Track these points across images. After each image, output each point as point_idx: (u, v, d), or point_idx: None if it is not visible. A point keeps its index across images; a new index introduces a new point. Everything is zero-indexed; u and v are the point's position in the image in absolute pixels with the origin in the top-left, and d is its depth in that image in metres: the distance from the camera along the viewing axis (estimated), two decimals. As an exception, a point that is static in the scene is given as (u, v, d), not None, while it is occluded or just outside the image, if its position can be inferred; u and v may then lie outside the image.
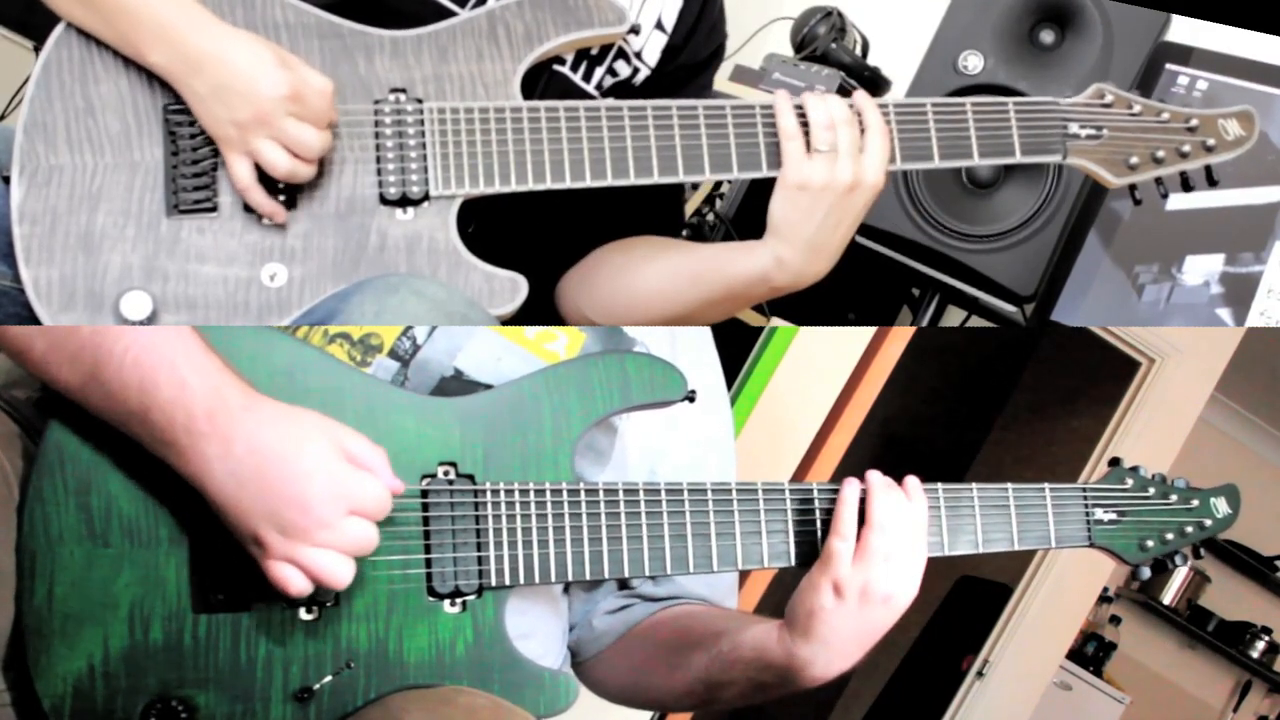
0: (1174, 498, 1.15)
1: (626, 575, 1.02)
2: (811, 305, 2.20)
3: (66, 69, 1.10)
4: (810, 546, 1.05)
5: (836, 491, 1.05)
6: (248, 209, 1.11)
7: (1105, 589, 4.25)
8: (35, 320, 1.07)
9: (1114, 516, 1.13)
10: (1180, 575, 4.48)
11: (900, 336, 2.52)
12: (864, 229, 1.95)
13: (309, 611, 0.96)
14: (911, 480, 1.05)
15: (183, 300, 1.09)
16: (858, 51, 2.25)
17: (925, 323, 2.17)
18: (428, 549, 0.98)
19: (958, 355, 4.45)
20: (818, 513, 1.05)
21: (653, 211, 1.35)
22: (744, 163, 1.18)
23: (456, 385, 1.07)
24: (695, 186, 2.17)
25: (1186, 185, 1.24)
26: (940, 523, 1.08)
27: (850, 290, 2.33)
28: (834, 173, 1.14)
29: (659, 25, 1.32)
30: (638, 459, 1.15)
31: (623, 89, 1.30)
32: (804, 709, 3.88)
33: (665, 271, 1.25)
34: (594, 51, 1.27)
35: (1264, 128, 1.25)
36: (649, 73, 1.32)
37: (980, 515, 1.09)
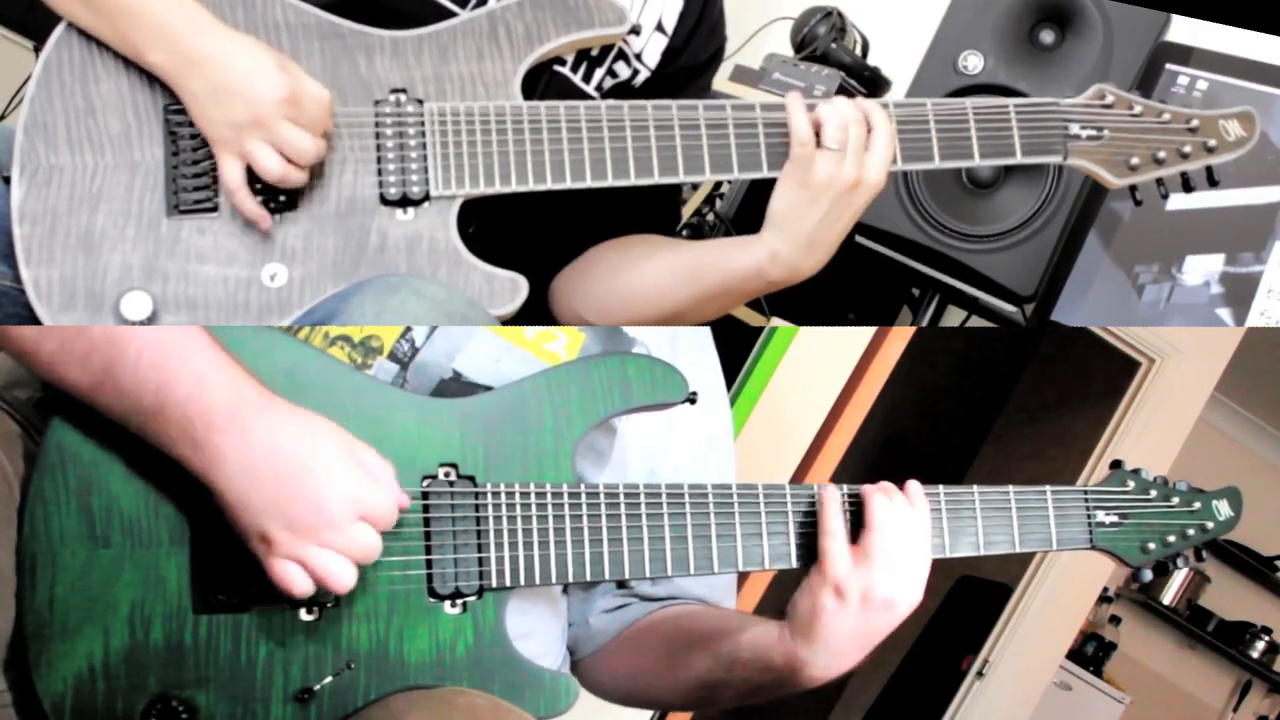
0: (1176, 500, 1.15)
1: (627, 577, 1.02)
2: (811, 305, 2.20)
3: (67, 69, 1.10)
4: (812, 548, 1.05)
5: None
6: (248, 209, 1.11)
7: (1105, 589, 4.25)
8: (35, 320, 1.07)
9: (1115, 519, 1.13)
10: (1180, 575, 4.49)
11: (900, 336, 2.52)
12: (864, 229, 1.96)
13: (309, 612, 0.96)
14: (913, 485, 1.05)
15: (183, 300, 1.09)
16: (858, 51, 2.25)
17: (925, 323, 2.17)
18: (428, 550, 0.98)
19: (958, 355, 4.46)
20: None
21: (650, 211, 1.35)
22: (744, 163, 1.18)
23: (455, 387, 1.07)
24: (695, 186, 2.17)
25: (1187, 186, 1.24)
26: (941, 524, 1.08)
27: (850, 290, 2.33)
28: (839, 170, 1.15)
29: (659, 27, 1.32)
30: (637, 460, 1.15)
31: (622, 90, 1.30)
32: (804, 709, 3.88)
33: (661, 269, 1.25)
34: (594, 52, 1.27)
35: (1264, 128, 1.25)
36: (649, 74, 1.32)
37: (981, 517, 1.09)
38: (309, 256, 1.11)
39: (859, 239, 1.99)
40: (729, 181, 2.16)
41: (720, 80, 2.11)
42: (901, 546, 1.01)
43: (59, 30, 1.10)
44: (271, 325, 1.09)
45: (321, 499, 0.88)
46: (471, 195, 1.14)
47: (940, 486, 1.08)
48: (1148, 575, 1.15)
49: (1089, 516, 1.13)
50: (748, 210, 2.13)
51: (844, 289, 2.32)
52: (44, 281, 1.08)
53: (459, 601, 0.98)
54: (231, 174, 1.08)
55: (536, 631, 1.10)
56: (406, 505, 0.94)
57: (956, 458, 4.35)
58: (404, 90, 1.15)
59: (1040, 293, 1.93)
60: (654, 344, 1.18)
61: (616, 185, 1.16)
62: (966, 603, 3.57)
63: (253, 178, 1.09)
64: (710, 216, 2.16)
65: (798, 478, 2.44)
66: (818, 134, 1.16)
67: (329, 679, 0.95)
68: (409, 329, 1.08)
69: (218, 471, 0.88)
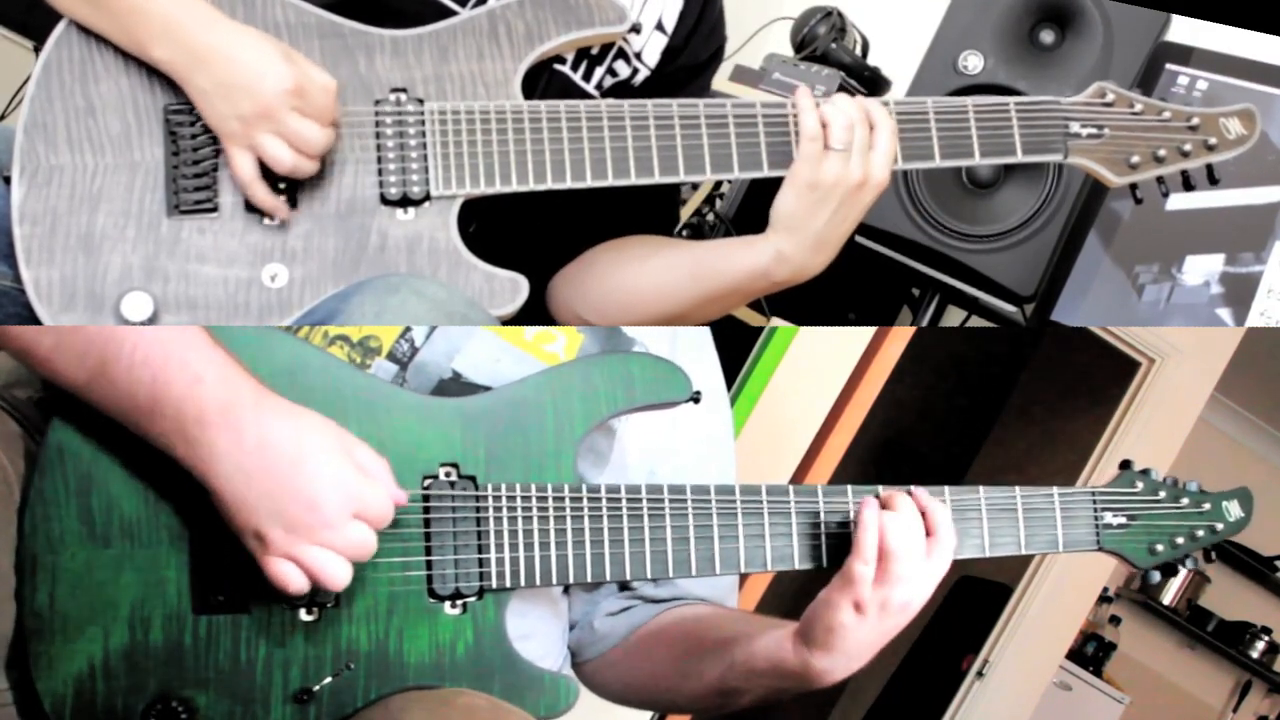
0: (1185, 501, 1.14)
1: (628, 578, 1.02)
2: (811, 305, 2.20)
3: (67, 69, 1.10)
4: (814, 549, 1.05)
5: (841, 494, 1.05)
6: (249, 209, 1.11)
7: (1105, 589, 4.25)
8: (35, 320, 1.07)
9: (1123, 520, 1.12)
10: (1180, 575, 4.48)
11: (900, 336, 2.51)
12: (864, 229, 1.96)
13: (309, 613, 0.95)
14: (922, 495, 1.05)
15: (183, 301, 1.09)
16: (858, 51, 2.25)
17: (925, 323, 2.17)
18: (429, 550, 0.98)
19: (957, 355, 4.45)
20: (822, 515, 1.05)
21: (649, 211, 1.35)
22: (745, 162, 1.17)
23: (455, 387, 1.06)
24: (695, 186, 2.17)
25: (1188, 184, 1.24)
26: None
27: (850, 290, 2.33)
28: (846, 170, 1.15)
29: (659, 26, 1.31)
30: (637, 460, 1.15)
31: (622, 89, 1.30)
32: (804, 708, 3.88)
33: (662, 269, 1.25)
34: (594, 51, 1.27)
35: (1264, 128, 1.25)
36: (648, 73, 1.31)
37: (987, 519, 1.08)
38: (309, 257, 1.11)
39: (859, 239, 1.99)
40: (729, 181, 2.16)
41: (720, 80, 2.11)
42: (916, 561, 1.01)
43: (58, 30, 1.10)
44: (272, 325, 1.09)
45: (316, 498, 0.88)
46: (472, 195, 1.14)
47: (946, 488, 1.08)
48: (1156, 577, 1.14)
49: (1096, 518, 1.12)
50: (748, 210, 2.13)
51: (844, 289, 2.31)
52: (44, 282, 1.07)
53: (459, 602, 0.98)
54: (244, 167, 1.08)
55: (537, 633, 1.10)
56: (403, 502, 0.94)
57: (956, 458, 4.35)
58: (404, 90, 1.15)
59: (1040, 293, 1.93)
60: (653, 344, 1.18)
61: (616, 185, 1.16)
62: (966, 603, 3.57)
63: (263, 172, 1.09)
64: (710, 216, 2.16)
65: (798, 478, 2.44)
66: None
67: (328, 679, 0.95)
68: (408, 329, 1.08)
69: (212, 470, 0.88)
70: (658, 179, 1.16)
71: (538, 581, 1.00)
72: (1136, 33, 1.86)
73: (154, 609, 0.93)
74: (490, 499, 0.99)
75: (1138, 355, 3.30)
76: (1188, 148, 1.21)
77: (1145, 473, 1.14)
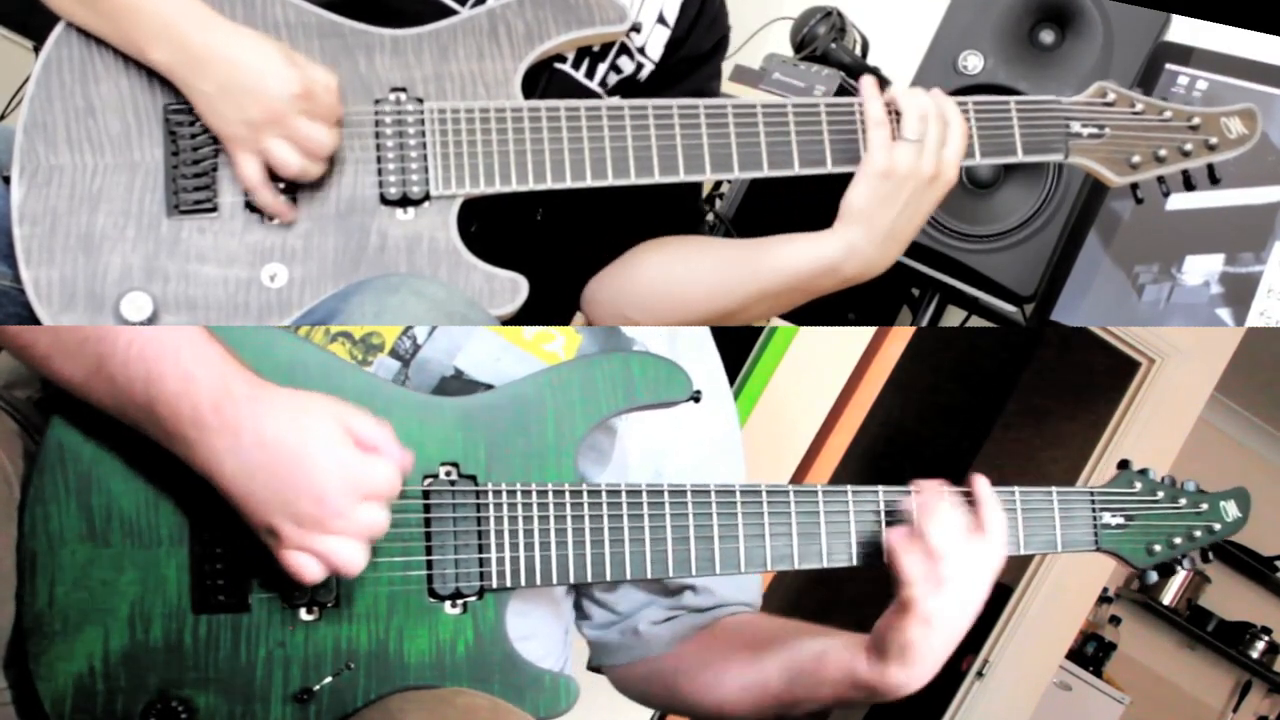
0: (1183, 501, 1.14)
1: (629, 578, 1.01)
2: (811, 305, 2.19)
3: (66, 69, 1.10)
4: (815, 549, 1.05)
5: (841, 494, 1.05)
6: (249, 209, 1.11)
7: (1105, 589, 4.25)
8: (35, 320, 1.07)
9: (1121, 520, 1.12)
10: (1180, 576, 4.49)
11: (900, 336, 2.51)
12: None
13: (309, 612, 0.95)
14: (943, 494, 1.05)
15: (183, 301, 1.09)
16: (858, 51, 2.24)
17: (925, 323, 2.17)
18: (429, 550, 0.98)
19: (958, 355, 4.45)
20: (822, 515, 1.05)
21: (675, 209, 1.34)
22: (745, 162, 1.17)
23: (457, 385, 1.06)
24: (695, 186, 2.17)
25: (1189, 184, 1.23)
26: None
27: (850, 290, 2.32)
28: (919, 162, 1.14)
29: (661, 19, 1.31)
30: (640, 460, 1.15)
31: (628, 85, 1.30)
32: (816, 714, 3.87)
33: (717, 266, 1.24)
34: (596, 49, 1.27)
35: (1264, 128, 1.25)
36: (653, 67, 1.31)
37: None
38: (309, 257, 1.11)
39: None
40: (729, 181, 2.16)
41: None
42: (964, 559, 1.02)
43: (58, 30, 1.10)
44: (271, 325, 1.09)
45: (321, 489, 0.88)
46: (472, 195, 1.14)
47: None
48: (1153, 577, 1.14)
49: (1095, 518, 1.11)
50: (748, 210, 2.13)
51: (844, 289, 2.31)
52: (44, 282, 1.07)
53: (459, 602, 0.98)
54: (251, 172, 1.08)
55: (537, 634, 1.10)
56: (409, 467, 0.93)
57: (956, 458, 4.34)
58: (404, 89, 1.15)
59: (1040, 293, 1.93)
60: (653, 343, 1.17)
61: (617, 184, 1.15)
62: (966, 603, 3.56)
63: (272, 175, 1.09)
64: (710, 216, 2.16)
65: (798, 478, 2.44)
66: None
67: (328, 679, 0.95)
68: (410, 326, 1.07)
69: (217, 471, 0.88)
70: (657, 178, 1.16)
71: (538, 581, 0.99)
72: (1136, 33, 1.86)
73: (154, 608, 0.92)
74: (491, 498, 0.99)
75: (1138, 355, 3.30)
76: (1189, 147, 1.21)
77: (1143, 472, 1.14)
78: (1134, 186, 1.23)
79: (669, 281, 1.25)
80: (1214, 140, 1.21)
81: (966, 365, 4.46)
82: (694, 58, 1.34)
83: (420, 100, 1.14)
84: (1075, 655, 4.27)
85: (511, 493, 0.99)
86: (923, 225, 1.19)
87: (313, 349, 1.01)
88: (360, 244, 1.12)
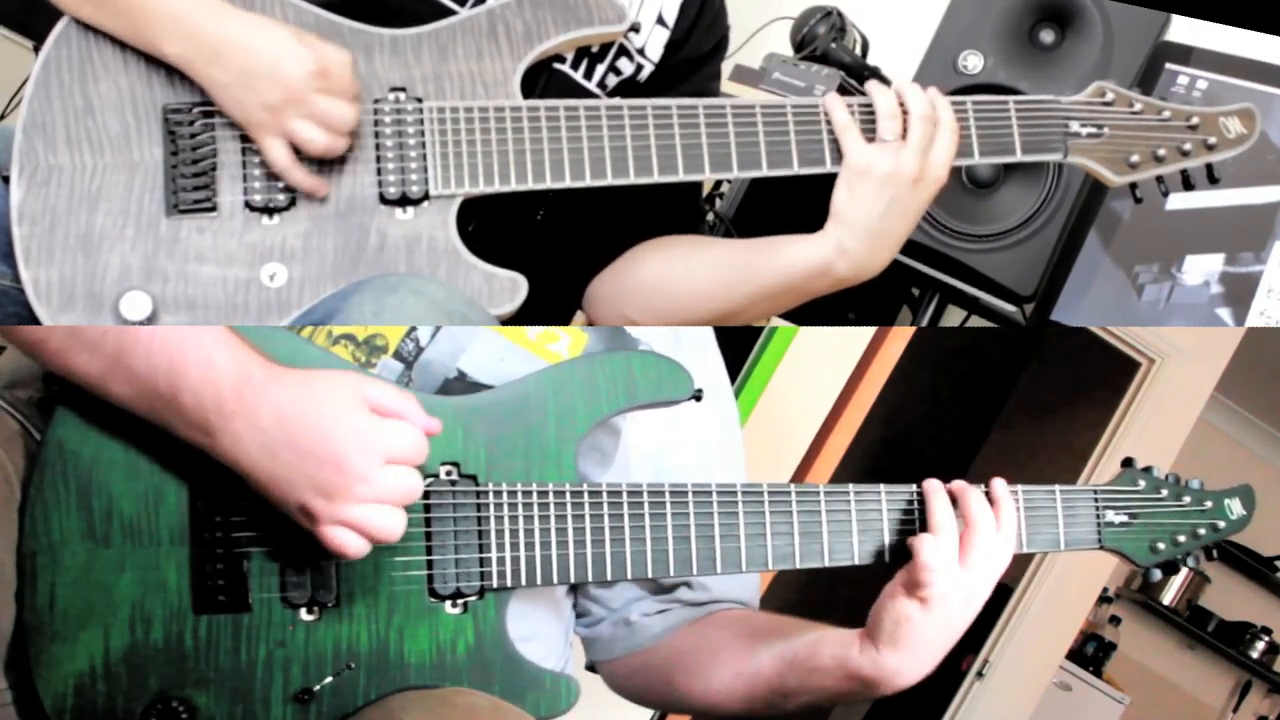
0: (1187, 499, 1.14)
1: (630, 577, 1.01)
2: (811, 305, 2.19)
3: (66, 68, 1.10)
4: (816, 549, 1.04)
5: (842, 493, 1.05)
6: (248, 208, 1.11)
7: (1105, 589, 4.25)
8: (35, 320, 1.07)
9: (1125, 518, 1.12)
10: (1180, 575, 4.49)
11: (900, 336, 2.52)
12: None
13: (310, 612, 0.95)
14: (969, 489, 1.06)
15: (182, 300, 1.09)
16: (858, 51, 2.24)
17: (925, 323, 2.17)
18: (429, 550, 0.98)
19: (957, 355, 4.45)
20: (823, 515, 1.05)
21: (675, 208, 1.33)
22: (744, 162, 1.17)
23: (460, 387, 1.06)
24: (695, 186, 2.16)
25: (1188, 183, 1.23)
26: None
27: (850, 290, 2.32)
28: (899, 163, 1.14)
29: (660, 20, 1.31)
30: (641, 460, 1.15)
31: (628, 86, 1.30)
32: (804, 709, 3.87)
33: (716, 266, 1.24)
34: (595, 49, 1.27)
35: (1264, 127, 1.24)
36: (653, 68, 1.31)
37: None
38: (308, 256, 1.11)
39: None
40: (728, 181, 2.16)
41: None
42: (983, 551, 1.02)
43: (58, 29, 1.10)
44: (271, 325, 1.09)
45: (342, 458, 0.87)
46: (471, 194, 1.14)
47: None
48: (1157, 575, 1.14)
49: (1098, 516, 1.11)
50: (748, 210, 2.13)
51: (843, 290, 2.31)
52: (43, 281, 1.07)
53: (460, 602, 0.98)
54: (279, 154, 1.08)
55: (538, 634, 1.10)
56: (436, 429, 0.93)
57: (957, 458, 4.35)
58: (403, 89, 1.15)
59: (1040, 292, 1.93)
60: (657, 343, 1.17)
61: (616, 184, 1.15)
62: (966, 603, 3.56)
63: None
64: (710, 216, 2.16)
65: (798, 478, 2.44)
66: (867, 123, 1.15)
67: (329, 679, 0.95)
68: (413, 328, 1.07)
69: (240, 456, 0.88)
70: (656, 178, 1.16)
71: (539, 581, 0.99)
72: (1136, 32, 1.86)
73: (154, 608, 0.92)
74: (491, 498, 0.99)
75: (1138, 355, 3.30)
76: (1188, 147, 1.21)
77: (1147, 470, 1.14)
78: (1133, 186, 1.23)
79: (668, 281, 1.25)
80: (1213, 140, 1.21)
81: (966, 365, 4.46)
82: (694, 59, 1.34)
83: (419, 100, 1.14)
84: (1075, 655, 4.27)
85: (512, 492, 0.99)
86: (914, 226, 1.18)
87: (314, 350, 1.01)
88: (359, 244, 1.12)
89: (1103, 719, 4.23)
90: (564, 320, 1.33)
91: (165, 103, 1.10)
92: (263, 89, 1.05)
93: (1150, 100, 1.22)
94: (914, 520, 1.06)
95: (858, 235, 1.16)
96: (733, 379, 2.26)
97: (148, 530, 0.93)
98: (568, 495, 1.00)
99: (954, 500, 1.04)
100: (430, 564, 0.98)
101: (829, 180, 1.19)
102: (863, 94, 1.19)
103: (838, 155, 1.17)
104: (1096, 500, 1.12)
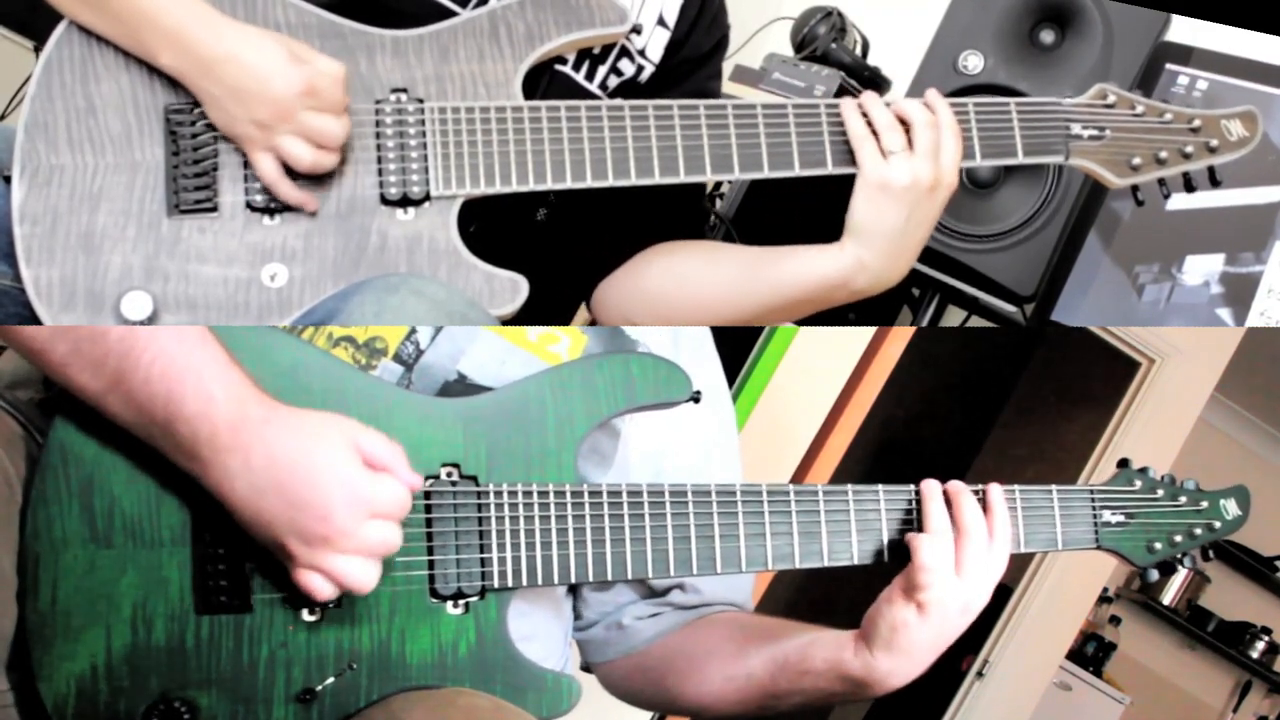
0: (1183, 499, 1.14)
1: (630, 578, 1.02)
2: (812, 306, 2.20)
3: (67, 68, 1.10)
4: (815, 549, 1.05)
5: (841, 494, 1.05)
6: (249, 208, 1.11)
7: (1105, 589, 4.25)
8: (36, 320, 1.07)
9: (1121, 518, 1.13)
10: (1180, 576, 4.49)
11: (900, 336, 2.52)
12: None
13: (311, 613, 0.95)
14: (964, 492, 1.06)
15: (183, 300, 1.09)
16: (858, 51, 2.25)
17: (925, 323, 2.17)
18: (430, 550, 0.98)
19: (958, 355, 4.45)
20: (823, 515, 1.05)
21: (679, 211, 1.33)
22: (745, 163, 1.17)
23: (460, 389, 1.06)
24: (695, 187, 2.16)
25: (1189, 185, 1.23)
26: None
27: (851, 291, 2.32)
28: (915, 173, 1.14)
29: (661, 21, 1.32)
30: (640, 461, 1.15)
31: (629, 87, 1.30)
32: (804, 709, 3.87)
33: (729, 276, 1.24)
34: (596, 51, 1.27)
35: (1265, 128, 1.25)
36: (654, 69, 1.31)
37: None
38: (309, 256, 1.11)
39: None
40: (729, 182, 2.16)
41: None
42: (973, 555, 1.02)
43: (59, 29, 1.10)
44: (271, 325, 1.09)
45: (327, 509, 0.88)
46: (472, 195, 1.14)
47: None
48: (1154, 575, 1.14)
49: (1095, 516, 1.12)
50: (748, 210, 2.13)
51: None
52: (44, 281, 1.07)
53: (461, 602, 0.98)
54: (268, 169, 1.08)
55: (539, 634, 1.10)
56: (419, 487, 0.93)
57: (956, 458, 4.34)
58: (405, 90, 1.15)
59: (1040, 293, 1.93)
60: (656, 344, 1.17)
61: (617, 185, 1.15)
62: (966, 603, 3.56)
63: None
64: (710, 217, 2.16)
65: (798, 478, 2.44)
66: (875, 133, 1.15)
67: (331, 680, 0.95)
68: (413, 331, 1.08)
69: (228, 491, 0.89)
70: (658, 179, 1.16)
71: (539, 581, 1.00)
72: (1136, 33, 1.86)
73: (156, 609, 0.92)
74: (492, 499, 0.99)
75: (1138, 355, 3.31)
76: (1189, 149, 1.21)
77: (1143, 471, 1.15)
78: (1134, 188, 1.23)
79: (681, 288, 1.26)
80: (1215, 143, 1.21)
81: (966, 365, 4.46)
82: (694, 59, 1.34)
83: (421, 101, 1.14)
84: (1075, 655, 4.27)
85: (513, 493, 0.99)
86: (930, 233, 1.19)
87: (315, 352, 1.01)
88: (360, 244, 1.12)
89: (1103, 719, 4.23)
90: (564, 321, 1.33)
91: (167, 103, 1.10)
92: (252, 106, 1.06)
93: (1152, 102, 1.22)
94: (913, 520, 1.06)
95: (877, 248, 1.16)
96: (732, 379, 2.27)
97: (149, 531, 0.93)
98: (568, 496, 1.00)
99: (949, 503, 1.04)
100: (431, 564, 0.98)
101: (830, 181, 1.19)
102: (866, 92, 1.19)
103: (839, 157, 1.17)
104: (1093, 500, 1.12)
